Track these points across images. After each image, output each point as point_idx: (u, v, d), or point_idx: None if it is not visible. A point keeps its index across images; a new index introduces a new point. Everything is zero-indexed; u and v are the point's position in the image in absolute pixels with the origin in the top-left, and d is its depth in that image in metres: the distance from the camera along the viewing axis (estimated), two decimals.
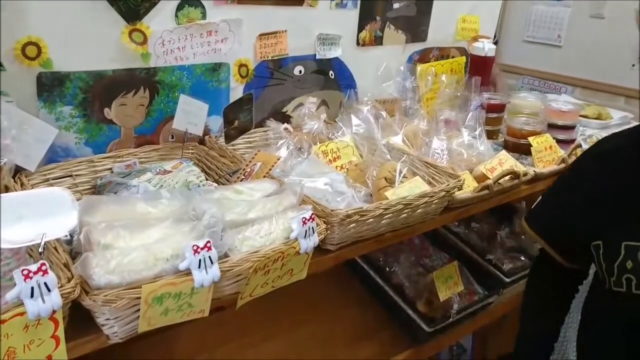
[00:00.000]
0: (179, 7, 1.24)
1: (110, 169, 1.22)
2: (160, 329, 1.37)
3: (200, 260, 0.79)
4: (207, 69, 1.33)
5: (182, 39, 1.26)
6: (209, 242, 0.79)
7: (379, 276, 1.63)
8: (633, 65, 2.89)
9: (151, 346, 1.38)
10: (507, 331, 2.05)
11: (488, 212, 1.83)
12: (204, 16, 1.28)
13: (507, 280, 1.63)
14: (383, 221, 1.11)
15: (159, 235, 0.82)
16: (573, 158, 1.56)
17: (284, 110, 1.56)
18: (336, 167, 1.37)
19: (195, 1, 1.26)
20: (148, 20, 1.19)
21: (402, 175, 1.24)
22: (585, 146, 1.58)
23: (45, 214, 0.81)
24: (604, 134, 1.86)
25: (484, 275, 1.69)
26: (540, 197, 1.22)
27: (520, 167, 1.44)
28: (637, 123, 1.45)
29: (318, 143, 1.41)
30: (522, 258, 1.72)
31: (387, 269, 1.65)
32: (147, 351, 1.36)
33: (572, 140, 1.62)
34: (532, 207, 1.22)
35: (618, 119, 1.99)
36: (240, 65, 1.40)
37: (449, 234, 1.81)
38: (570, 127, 1.66)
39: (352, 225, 1.05)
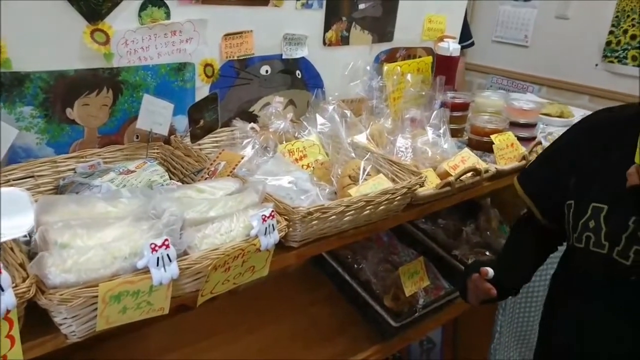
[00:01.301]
0: (142, 7, 1.23)
1: (74, 169, 1.22)
2: (125, 330, 1.38)
3: (158, 258, 0.79)
4: (172, 69, 1.34)
5: (145, 39, 1.26)
6: (166, 240, 0.80)
7: (347, 273, 1.65)
8: (596, 64, 2.98)
9: (115, 347, 1.38)
10: (475, 325, 2.11)
11: (454, 209, 1.87)
12: (168, 16, 1.28)
13: None
14: (345, 218, 1.13)
15: (117, 233, 0.82)
16: (534, 155, 1.61)
17: (251, 109, 1.57)
18: (302, 165, 1.38)
19: (159, 1, 1.26)
20: (110, 20, 1.19)
21: (366, 173, 1.27)
22: (546, 143, 1.63)
23: (2, 214, 0.81)
24: None
25: (450, 271, 1.72)
26: (535, 158, 1.32)
27: (482, 164, 1.48)
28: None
29: (285, 142, 1.43)
30: (487, 253, 1.76)
31: (355, 266, 1.68)
32: (111, 352, 1.36)
33: (533, 138, 1.67)
34: (526, 166, 1.31)
35: (579, 116, 2.04)
36: (206, 65, 1.40)
37: (417, 231, 1.84)
38: (532, 125, 1.71)
39: (314, 223, 1.07)
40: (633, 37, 2.80)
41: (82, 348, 1.27)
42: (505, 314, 2.03)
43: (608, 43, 2.91)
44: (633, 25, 2.78)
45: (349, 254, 1.72)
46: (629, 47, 2.82)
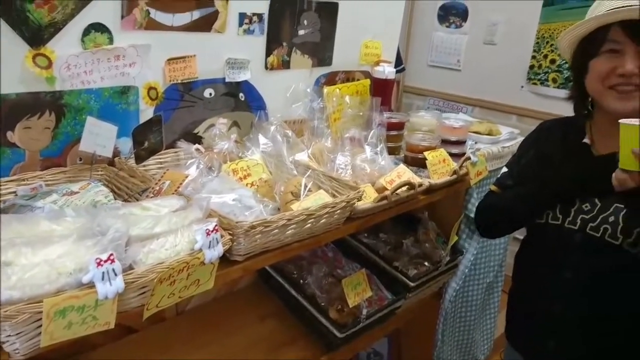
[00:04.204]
0: (85, 32, 1.26)
1: (15, 192, 1.21)
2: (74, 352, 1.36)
3: (103, 272, 0.82)
4: (116, 92, 1.37)
5: (88, 63, 1.28)
6: (112, 254, 0.83)
7: (293, 288, 1.70)
8: (522, 86, 3.22)
9: None
10: (418, 336, 2.19)
11: (394, 223, 1.97)
12: (111, 41, 1.32)
13: (413, 284, 1.75)
14: (288, 232, 1.19)
15: (63, 250, 0.84)
16: (464, 170, 1.73)
17: (196, 131, 1.61)
18: (247, 184, 1.43)
19: (102, 27, 1.29)
20: (53, 44, 1.21)
21: (307, 189, 1.33)
22: (475, 159, 1.75)
23: None
24: (494, 148, 2.07)
25: (391, 281, 1.80)
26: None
27: (416, 179, 1.58)
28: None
29: (229, 162, 1.47)
30: (426, 264, 1.86)
31: (300, 281, 1.72)
32: None
33: (463, 154, 1.79)
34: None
35: (506, 134, 2.21)
36: (150, 89, 1.44)
37: (359, 245, 1.91)
38: (462, 142, 1.84)
39: (257, 236, 1.12)
40: (552, 61, 3.06)
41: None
42: (447, 323, 2.13)
43: (531, 67, 3.15)
44: (552, 51, 3.04)
45: (294, 269, 1.77)
46: (550, 70, 3.08)
